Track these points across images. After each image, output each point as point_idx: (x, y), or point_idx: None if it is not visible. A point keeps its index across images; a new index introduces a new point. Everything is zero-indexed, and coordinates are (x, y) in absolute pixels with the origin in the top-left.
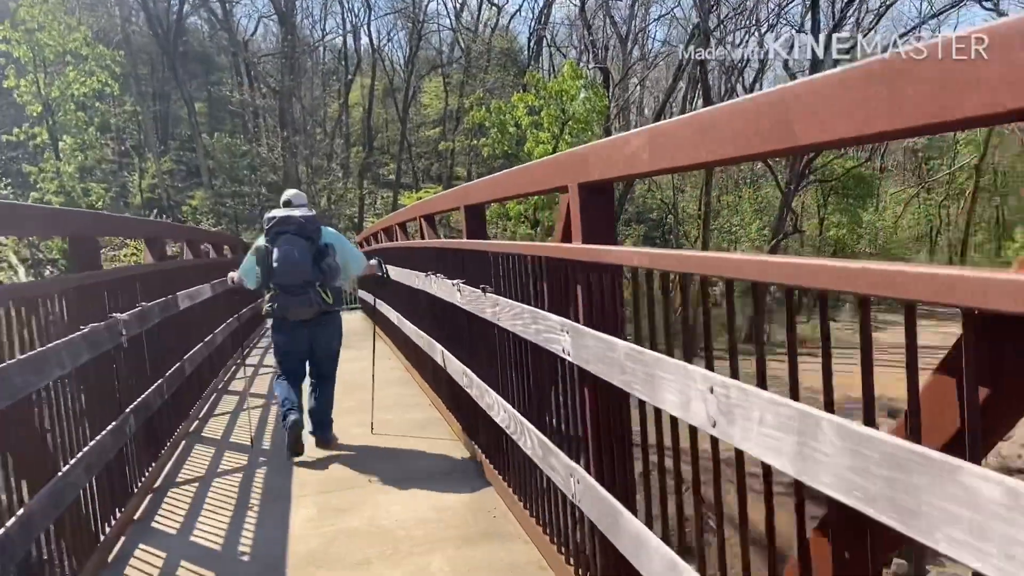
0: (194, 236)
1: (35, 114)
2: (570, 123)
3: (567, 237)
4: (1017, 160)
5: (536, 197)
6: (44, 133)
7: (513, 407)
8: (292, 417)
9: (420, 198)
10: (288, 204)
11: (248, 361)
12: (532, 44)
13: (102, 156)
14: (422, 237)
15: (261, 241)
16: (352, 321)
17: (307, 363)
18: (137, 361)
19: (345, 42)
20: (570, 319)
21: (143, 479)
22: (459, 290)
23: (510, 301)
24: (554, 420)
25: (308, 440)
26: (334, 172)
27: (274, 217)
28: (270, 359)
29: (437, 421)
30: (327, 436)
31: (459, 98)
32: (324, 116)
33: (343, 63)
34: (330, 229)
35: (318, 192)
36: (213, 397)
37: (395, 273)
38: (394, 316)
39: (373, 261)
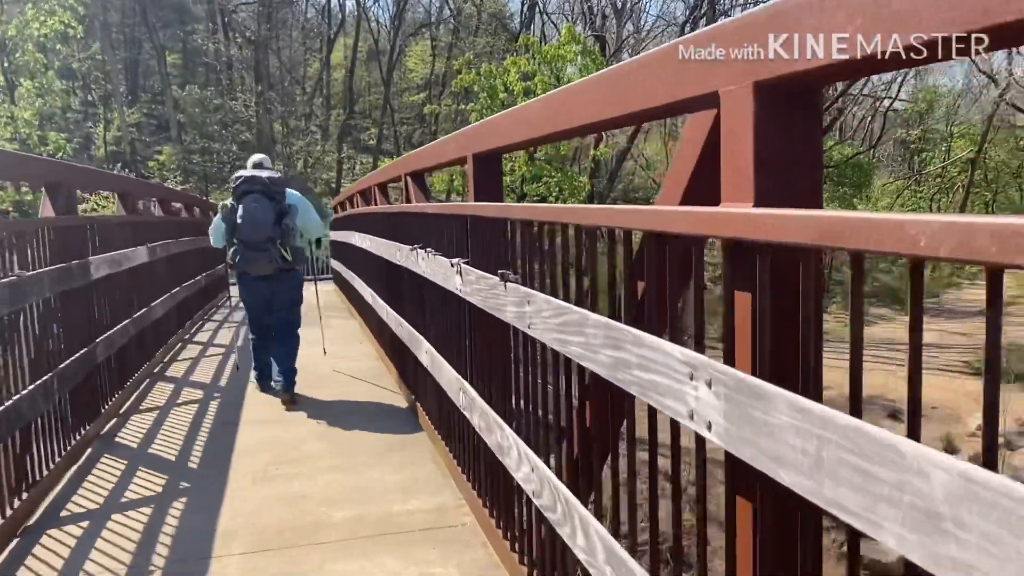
0: (129, 189)
1: None
2: None
3: (704, 194)
4: (1012, 156)
5: (522, 168)
6: None
7: (548, 469)
8: (263, 384)
9: None
10: (256, 166)
11: (197, 338)
12: (524, 10)
13: (66, 103)
14: (407, 200)
15: (228, 200)
16: (323, 294)
17: (271, 314)
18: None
19: None
20: (704, 355)
21: (4, 518)
22: (460, 273)
23: (558, 302)
24: (646, 520)
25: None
26: (312, 134)
27: (240, 176)
28: (222, 336)
29: (418, 439)
30: (289, 383)
31: (447, 61)
32: (304, 75)
33: (326, 20)
34: (295, 192)
35: (295, 154)
36: (145, 384)
37: (371, 244)
38: (368, 293)
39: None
